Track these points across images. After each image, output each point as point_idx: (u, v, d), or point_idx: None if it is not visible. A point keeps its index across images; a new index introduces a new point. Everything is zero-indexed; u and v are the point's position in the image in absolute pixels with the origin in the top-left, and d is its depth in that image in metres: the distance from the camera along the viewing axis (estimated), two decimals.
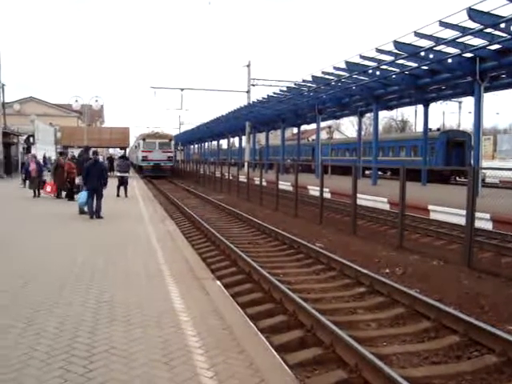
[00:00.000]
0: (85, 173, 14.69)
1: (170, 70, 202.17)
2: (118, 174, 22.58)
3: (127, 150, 54.12)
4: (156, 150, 47.20)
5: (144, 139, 48.49)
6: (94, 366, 4.23)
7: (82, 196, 14.64)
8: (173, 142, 51.28)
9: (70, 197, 19.26)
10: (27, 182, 21.87)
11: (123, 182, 22.05)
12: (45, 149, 52.88)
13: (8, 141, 37.87)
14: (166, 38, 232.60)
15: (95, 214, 14.26)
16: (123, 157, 26.64)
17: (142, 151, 47.52)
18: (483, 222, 13.38)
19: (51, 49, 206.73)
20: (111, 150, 71.10)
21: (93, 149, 19.08)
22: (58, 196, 20.40)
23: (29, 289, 6.66)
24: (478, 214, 11.10)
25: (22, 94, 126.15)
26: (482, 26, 18.40)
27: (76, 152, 30.40)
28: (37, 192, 20.51)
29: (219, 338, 4.99)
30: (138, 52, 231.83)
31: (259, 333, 5.56)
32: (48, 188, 20.56)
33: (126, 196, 21.78)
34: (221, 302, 6.32)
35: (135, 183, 30.78)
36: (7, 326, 5.17)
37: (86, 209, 14.68)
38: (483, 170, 20.74)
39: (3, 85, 39.92)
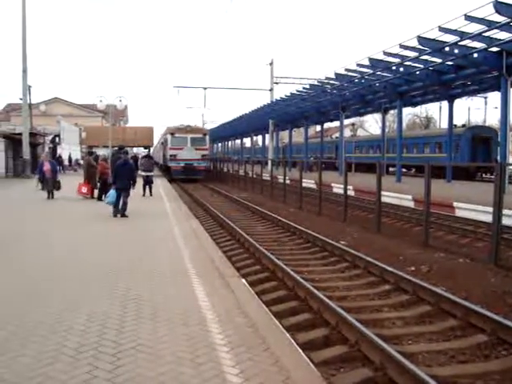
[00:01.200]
0: (115, 172, 14.95)
1: (193, 69, 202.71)
2: (143, 174, 22.80)
3: (151, 148, 53.97)
4: (187, 146, 39.05)
5: (172, 134, 39.94)
6: (121, 363, 4.30)
7: (111, 195, 14.77)
8: (207, 138, 42.09)
9: (100, 197, 18.66)
10: (43, 182, 21.15)
11: (148, 181, 22.34)
12: (70, 149, 53.78)
13: (34, 141, 38.49)
14: (190, 38, 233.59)
15: (120, 212, 14.42)
16: (147, 156, 26.88)
17: (170, 148, 39.35)
18: (511, 220, 13.18)
19: (76, 50, 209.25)
20: (135, 150, 71.76)
21: (125, 148, 18.95)
22: (93, 196, 19.88)
23: (56, 286, 6.78)
24: (505, 211, 10.95)
25: (47, 95, 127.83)
26: (508, 19, 18.11)
27: (101, 152, 30.70)
28: (52, 194, 19.77)
29: (244, 336, 5.02)
30: (161, 52, 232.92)
31: (284, 330, 5.57)
32: (84, 189, 20.23)
33: (151, 195, 22.02)
34: (246, 300, 6.35)
35: (159, 182, 31.03)
36: (37, 323, 5.28)
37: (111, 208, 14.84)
38: (510, 167, 20.44)
39: (30, 86, 40.58)
